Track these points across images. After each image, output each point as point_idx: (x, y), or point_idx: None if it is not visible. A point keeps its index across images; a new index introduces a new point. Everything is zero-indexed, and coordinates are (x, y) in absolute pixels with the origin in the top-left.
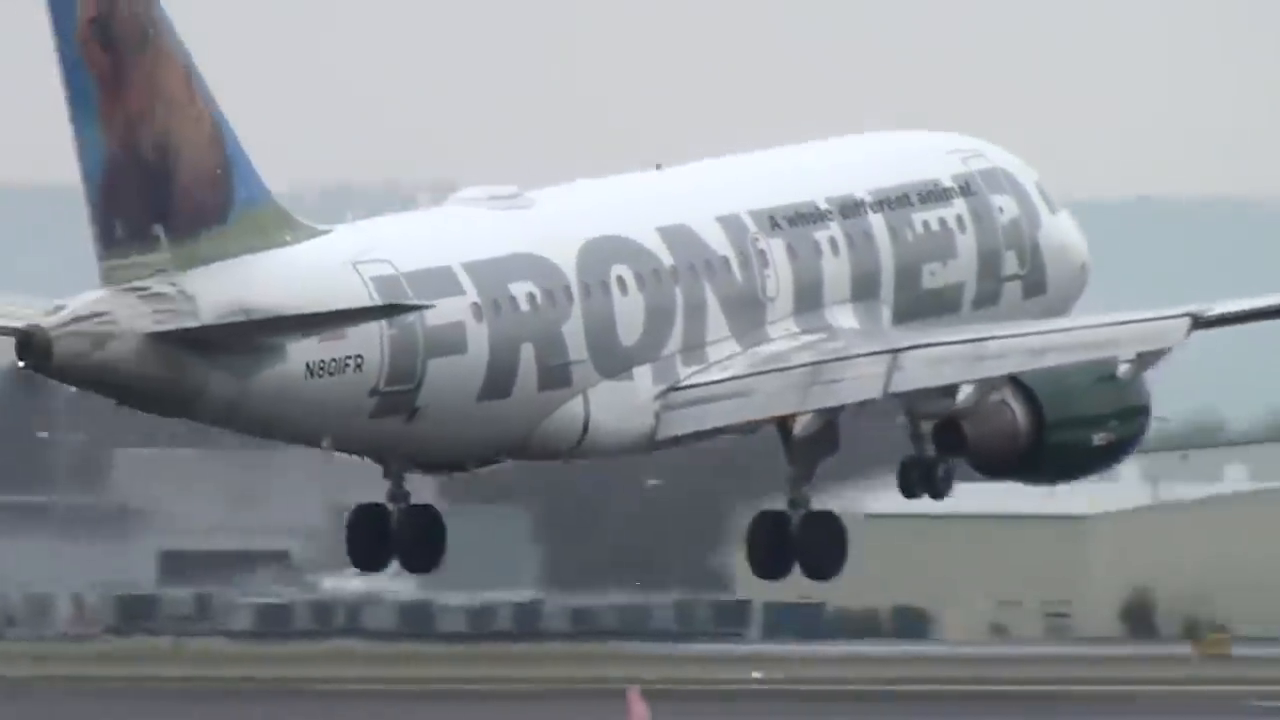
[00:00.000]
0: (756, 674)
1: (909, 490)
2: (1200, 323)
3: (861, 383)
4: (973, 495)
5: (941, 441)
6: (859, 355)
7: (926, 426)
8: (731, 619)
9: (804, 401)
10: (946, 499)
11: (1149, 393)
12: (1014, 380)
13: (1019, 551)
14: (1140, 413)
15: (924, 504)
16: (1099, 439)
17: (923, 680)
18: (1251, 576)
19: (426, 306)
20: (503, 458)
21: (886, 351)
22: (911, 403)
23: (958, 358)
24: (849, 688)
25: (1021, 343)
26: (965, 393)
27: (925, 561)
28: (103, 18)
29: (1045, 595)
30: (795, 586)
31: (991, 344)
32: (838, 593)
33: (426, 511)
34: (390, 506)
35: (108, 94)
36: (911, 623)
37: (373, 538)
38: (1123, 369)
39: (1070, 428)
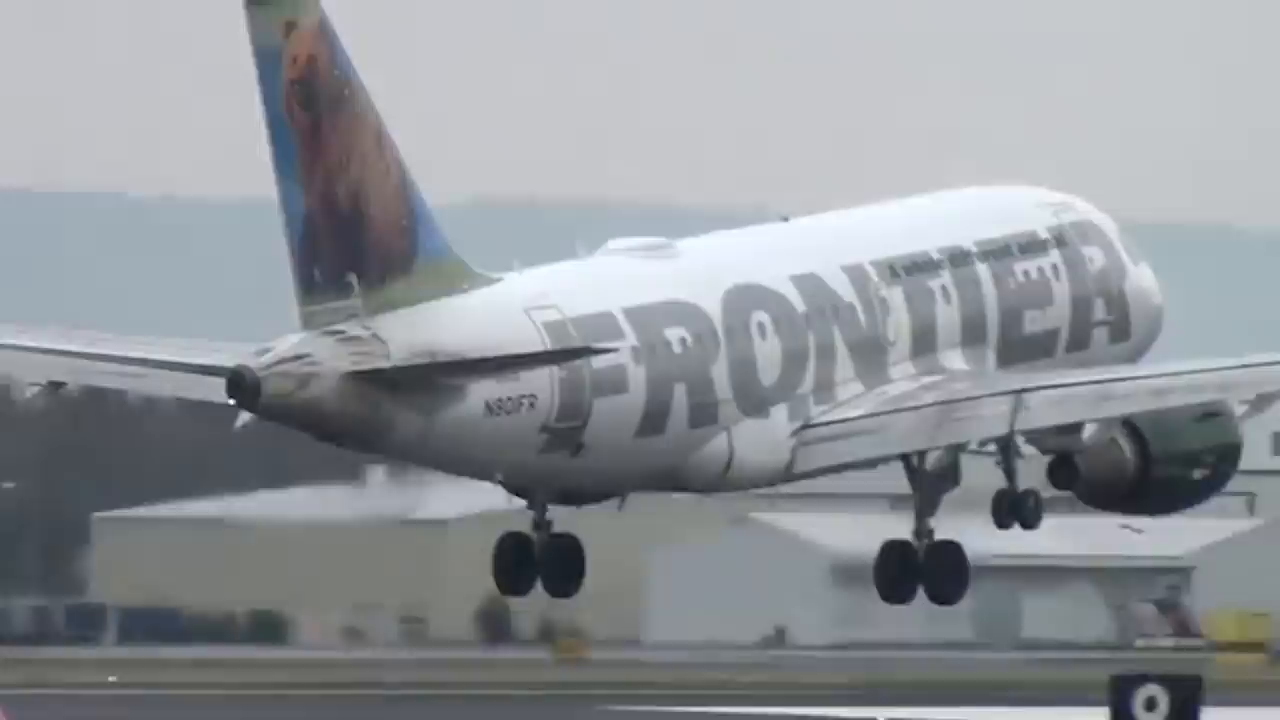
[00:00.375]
0: (112, 678)
1: (1001, 521)
2: None
3: (990, 421)
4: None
5: (1056, 476)
6: (986, 395)
7: (1040, 462)
8: (88, 623)
9: (935, 438)
10: (1037, 529)
11: (1241, 431)
12: (1124, 419)
13: (377, 556)
14: (1234, 449)
15: None
16: (1198, 474)
17: (278, 685)
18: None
19: (610, 350)
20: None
21: (1013, 391)
22: (1035, 439)
23: (1080, 398)
24: (205, 692)
25: (1145, 385)
26: (1090, 431)
27: (283, 566)
28: (305, 80)
29: (403, 599)
30: (150, 591)
31: (1117, 386)
32: (194, 596)
33: (566, 539)
34: (534, 535)
35: (308, 150)
36: (268, 627)
37: (518, 563)
38: (1241, 410)
39: (1174, 464)
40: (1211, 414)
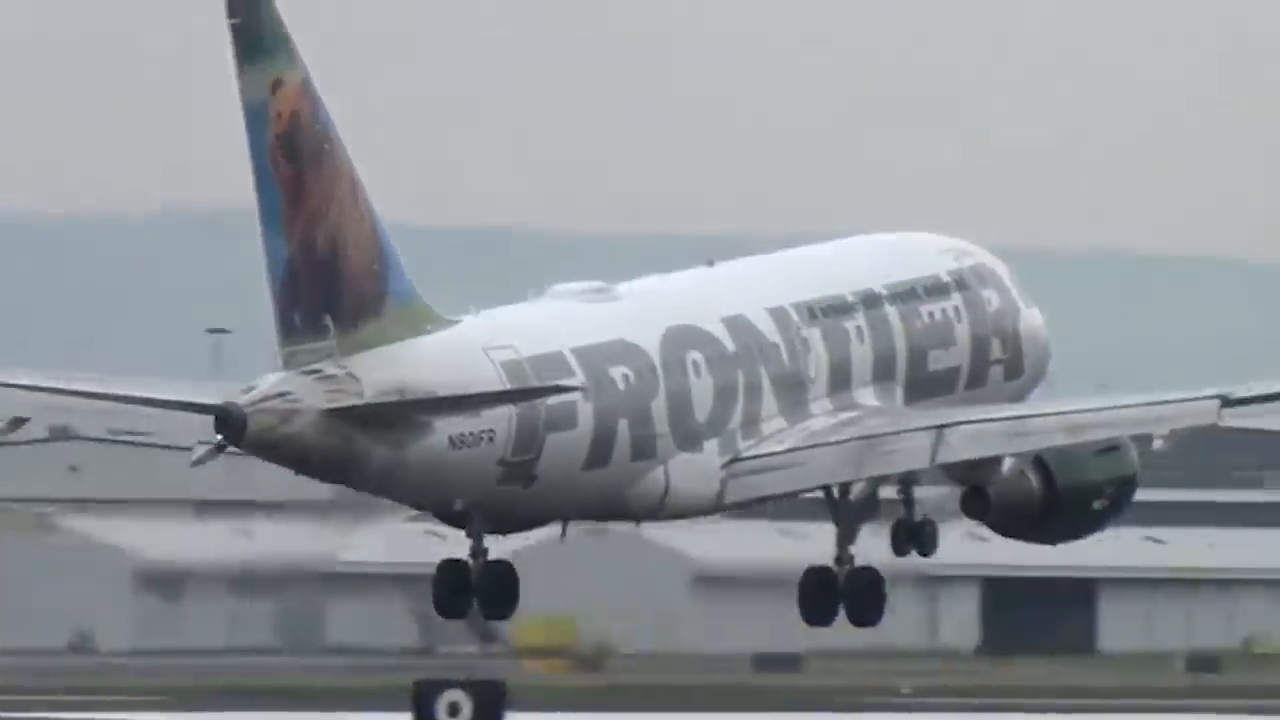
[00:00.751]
0: None
1: (899, 548)
2: (1229, 403)
3: (912, 454)
4: None
5: (969, 506)
6: (908, 430)
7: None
8: None
9: (858, 471)
10: (933, 555)
11: (1136, 462)
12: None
13: None
14: (1132, 481)
15: None
16: (1099, 504)
17: None
18: None
19: (577, 389)
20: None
21: (933, 427)
22: (952, 471)
23: (998, 433)
24: None
25: (1062, 420)
26: (1008, 464)
27: None
28: (289, 134)
29: None
30: None
31: (1033, 421)
32: None
33: (502, 564)
34: (470, 562)
35: (290, 200)
36: None
37: (455, 588)
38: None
39: (1077, 495)
40: (1111, 448)
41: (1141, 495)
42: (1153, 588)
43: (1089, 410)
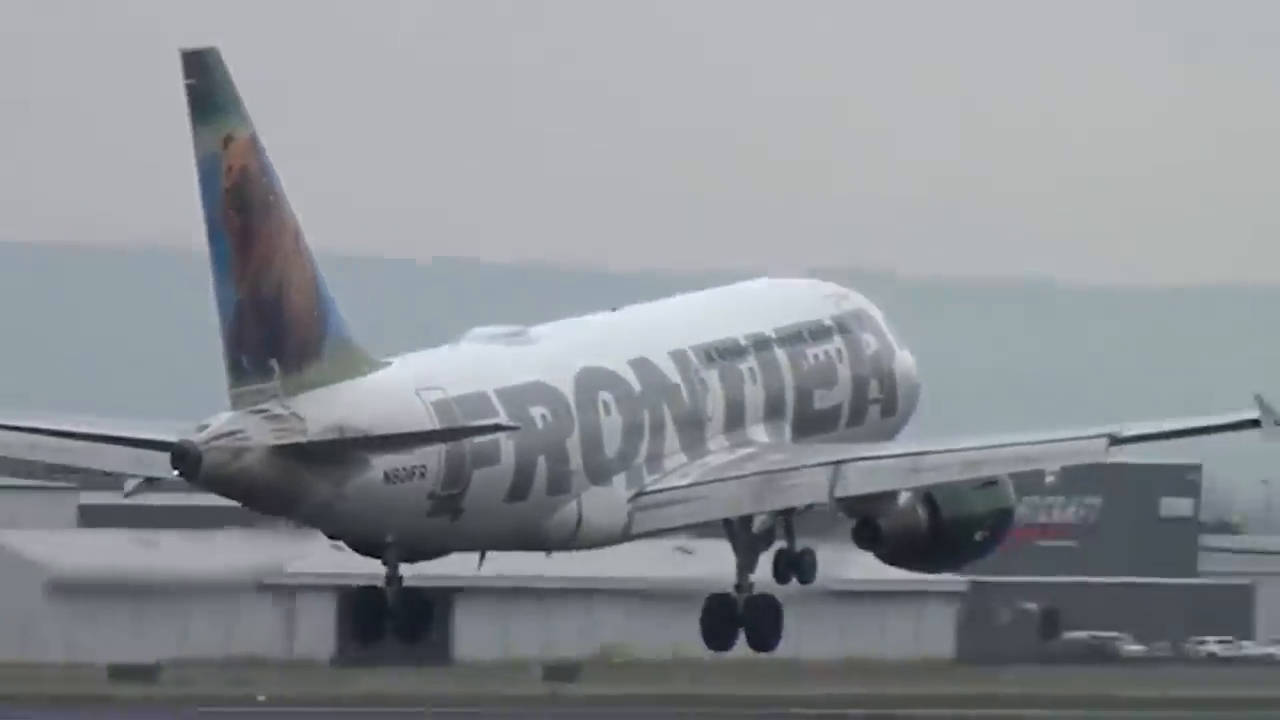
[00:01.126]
0: None
1: (781, 575)
2: (1117, 441)
3: (810, 489)
4: None
5: (860, 536)
6: (807, 465)
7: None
8: None
9: (759, 504)
10: (813, 583)
11: (1013, 495)
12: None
13: None
14: (1010, 513)
15: None
16: (980, 535)
17: None
18: None
19: (515, 428)
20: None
21: (832, 462)
22: (847, 505)
23: (895, 469)
24: None
25: (958, 457)
26: (904, 498)
27: None
28: (238, 187)
29: None
30: None
31: (929, 458)
32: None
33: (416, 593)
34: (386, 589)
35: (239, 250)
36: None
37: (371, 614)
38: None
39: (960, 526)
40: (990, 482)
41: None
42: (510, 597)
43: (984, 447)
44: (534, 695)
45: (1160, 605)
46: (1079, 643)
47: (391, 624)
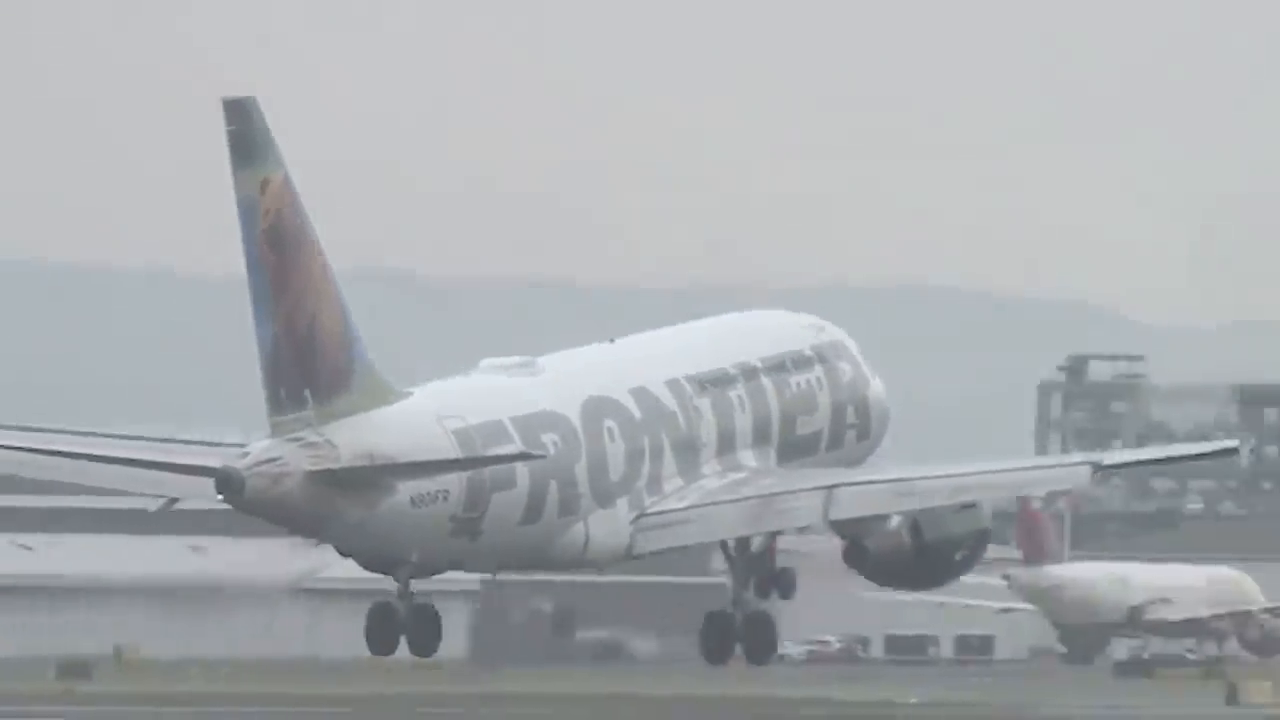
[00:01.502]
0: None
1: (763, 591)
2: (1099, 469)
3: (804, 512)
4: None
5: (850, 557)
6: (803, 489)
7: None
8: None
9: (756, 526)
10: (792, 598)
11: (989, 517)
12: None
13: None
14: (987, 534)
15: None
16: (959, 555)
17: None
18: None
19: (541, 456)
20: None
21: (825, 487)
22: (839, 527)
23: (886, 493)
24: None
25: (947, 483)
26: (895, 521)
27: None
28: (274, 227)
29: None
30: None
31: (918, 483)
32: None
33: (427, 608)
34: (398, 604)
35: (276, 286)
36: None
37: (386, 628)
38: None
39: (942, 547)
40: (968, 505)
41: (11, 501)
42: (27, 595)
43: (971, 474)
44: (48, 692)
45: (675, 604)
46: (594, 642)
47: (406, 636)
